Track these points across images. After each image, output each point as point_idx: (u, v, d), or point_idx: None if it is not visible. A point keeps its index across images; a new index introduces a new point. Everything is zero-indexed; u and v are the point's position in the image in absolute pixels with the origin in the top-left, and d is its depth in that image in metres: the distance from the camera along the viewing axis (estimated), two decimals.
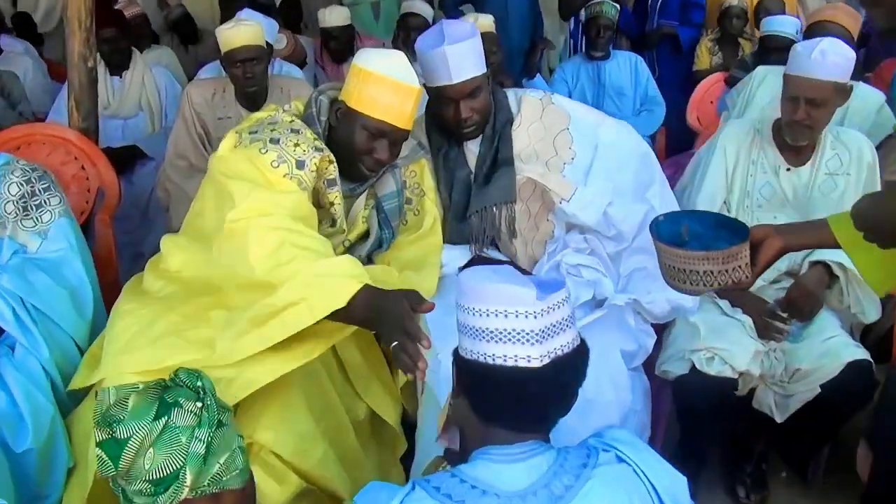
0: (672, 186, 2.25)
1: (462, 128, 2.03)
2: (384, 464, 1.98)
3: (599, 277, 2.02)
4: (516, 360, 1.12)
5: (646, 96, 4.07)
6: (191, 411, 1.18)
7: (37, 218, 1.95)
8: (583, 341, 1.21)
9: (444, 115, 2.04)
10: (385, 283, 1.81)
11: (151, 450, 1.14)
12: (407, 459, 1.99)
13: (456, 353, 1.20)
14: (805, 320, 2.09)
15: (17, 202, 1.93)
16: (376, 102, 1.77)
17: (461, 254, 2.11)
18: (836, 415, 2.07)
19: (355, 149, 1.80)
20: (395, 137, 1.82)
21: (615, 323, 1.98)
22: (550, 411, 1.18)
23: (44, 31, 5.22)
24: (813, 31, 2.94)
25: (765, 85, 2.96)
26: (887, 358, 2.14)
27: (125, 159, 3.30)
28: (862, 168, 2.23)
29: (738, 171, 2.28)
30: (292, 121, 1.81)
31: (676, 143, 3.92)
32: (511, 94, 2.18)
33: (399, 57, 1.82)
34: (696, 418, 2.09)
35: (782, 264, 2.18)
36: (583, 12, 4.24)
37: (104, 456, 1.16)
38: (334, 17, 4.21)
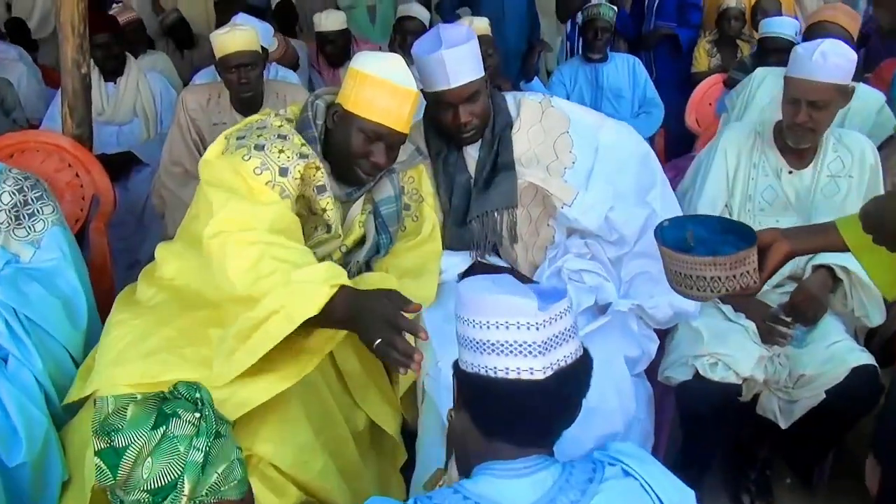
0: (673, 189, 2.22)
1: (461, 132, 2.01)
2: (384, 474, 1.96)
3: (601, 282, 2.00)
4: (518, 373, 1.09)
5: (644, 98, 4.05)
6: (189, 421, 1.18)
7: (29, 227, 1.93)
8: (586, 351, 1.18)
9: (443, 121, 2.02)
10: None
11: (150, 459, 1.15)
12: (407, 470, 1.97)
13: (456, 366, 1.18)
14: (809, 325, 2.07)
15: (10, 211, 1.91)
16: (373, 105, 1.76)
17: (461, 260, 2.08)
18: (842, 420, 2.05)
19: (352, 152, 1.79)
20: (392, 141, 1.81)
21: (618, 328, 1.95)
22: (554, 424, 1.15)
23: (39, 36, 5.21)
24: (812, 31, 2.93)
25: (764, 86, 2.94)
26: (892, 361, 2.12)
27: (120, 166, 3.28)
28: (864, 170, 2.21)
29: (740, 174, 2.26)
30: (281, 125, 1.79)
31: (675, 145, 3.92)
32: (510, 97, 2.16)
33: (397, 60, 1.81)
34: (700, 425, 2.07)
35: (785, 268, 2.15)
36: (580, 14, 4.23)
37: (102, 465, 1.16)
38: (330, 21, 4.20)
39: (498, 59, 3.59)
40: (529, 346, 1.09)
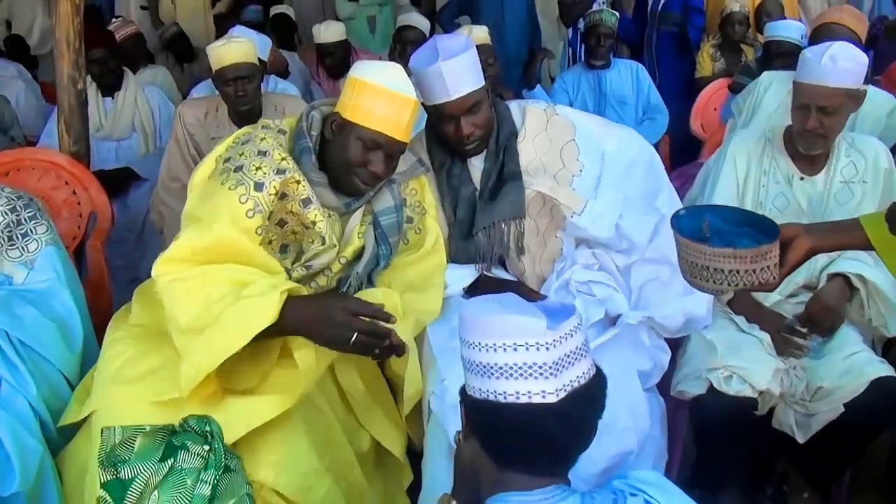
0: (680, 198, 2.18)
1: (465, 144, 1.98)
2: (390, 496, 1.91)
3: (611, 293, 1.96)
4: (530, 397, 1.04)
5: (648, 104, 4.02)
6: (197, 454, 1.17)
7: (23, 247, 1.91)
8: (599, 369, 1.13)
9: (446, 133, 1.98)
10: (386, 306, 1.77)
11: (156, 492, 1.13)
12: (413, 491, 1.92)
13: (463, 392, 1.13)
14: (826, 335, 2.03)
15: (3, 231, 1.89)
16: (372, 113, 1.74)
17: (466, 273, 2.04)
18: (862, 434, 1.99)
19: (350, 161, 1.76)
20: (390, 150, 1.78)
21: (629, 342, 1.91)
22: (570, 449, 1.10)
23: (39, 53, 5.21)
24: (818, 34, 2.89)
25: (771, 91, 2.90)
26: None
27: (119, 182, 3.26)
28: (879, 175, 2.16)
29: (750, 181, 2.21)
30: (264, 139, 1.77)
31: (680, 152, 3.90)
32: (514, 105, 2.12)
33: (396, 68, 1.79)
34: (715, 440, 2.02)
35: (799, 277, 2.11)
36: (581, 21, 4.20)
37: (108, 497, 1.15)
38: (329, 32, 4.19)
39: (499, 68, 3.56)
40: (540, 367, 1.04)
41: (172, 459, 1.14)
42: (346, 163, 1.77)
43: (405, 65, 2.04)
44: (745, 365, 1.95)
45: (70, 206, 2.59)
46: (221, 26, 4.59)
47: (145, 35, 4.67)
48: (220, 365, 1.51)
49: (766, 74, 3.03)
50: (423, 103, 1.98)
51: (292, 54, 4.56)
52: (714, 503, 2.02)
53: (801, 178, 2.19)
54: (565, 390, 1.05)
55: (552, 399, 1.04)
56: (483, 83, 1.96)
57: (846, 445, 2.03)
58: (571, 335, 1.08)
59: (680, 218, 1.44)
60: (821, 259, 2.06)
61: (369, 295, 1.85)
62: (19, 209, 1.92)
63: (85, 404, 1.66)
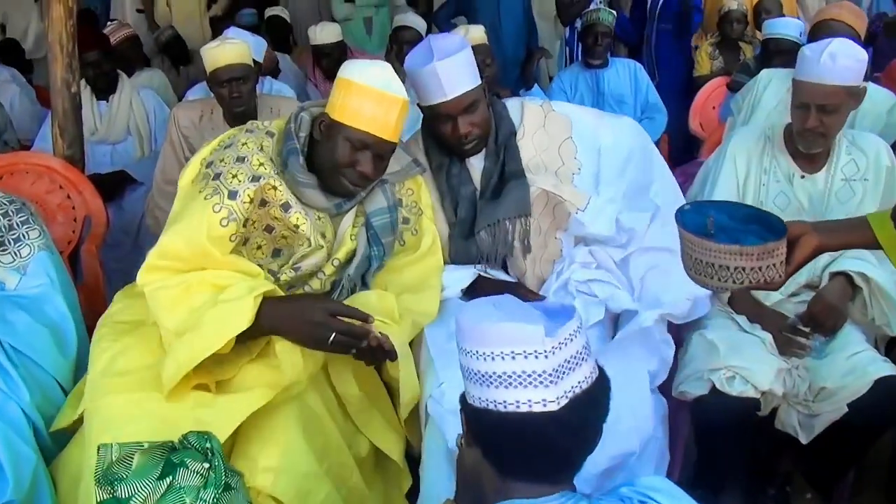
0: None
1: (462, 144, 1.96)
2: (389, 501, 1.89)
3: (613, 291, 1.95)
4: (530, 405, 1.01)
5: (646, 103, 4.01)
6: (197, 472, 1.15)
7: (15, 253, 1.89)
8: (601, 372, 1.10)
9: (443, 133, 1.96)
10: (381, 310, 1.77)
11: None
12: (413, 495, 1.89)
13: (463, 399, 1.10)
14: (828, 335, 2.00)
15: None
16: (359, 113, 1.72)
17: (465, 274, 2.02)
18: (865, 434, 1.97)
19: (338, 162, 1.75)
20: (379, 150, 1.76)
21: (639, 340, 1.89)
22: (574, 457, 1.07)
23: (34, 57, 5.18)
24: (818, 31, 2.88)
25: (770, 89, 2.88)
26: None
27: (114, 185, 3.23)
28: (880, 172, 2.14)
29: (750, 180, 2.19)
30: (245, 143, 1.77)
31: (679, 151, 3.89)
32: (511, 103, 2.11)
33: (384, 67, 1.78)
34: (717, 441, 2.00)
35: (801, 276, 2.09)
36: (579, 20, 4.19)
37: None
38: (325, 33, 4.17)
39: (496, 68, 3.54)
40: (539, 375, 1.01)
41: (171, 477, 1.12)
42: (334, 164, 1.76)
43: (402, 65, 2.03)
44: (747, 365, 1.93)
45: (65, 211, 2.58)
46: (217, 29, 4.57)
47: (141, 38, 4.65)
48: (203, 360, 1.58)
49: (764, 72, 3.01)
50: (419, 104, 1.96)
51: (285, 56, 4.53)
52: None
53: (802, 177, 2.17)
54: (567, 397, 1.03)
55: (553, 407, 1.02)
56: (479, 82, 1.94)
57: (849, 446, 2.01)
58: (571, 339, 1.05)
59: (684, 213, 1.42)
60: (823, 257, 2.04)
61: (363, 297, 1.84)
62: (11, 214, 1.90)
63: (80, 401, 1.67)
